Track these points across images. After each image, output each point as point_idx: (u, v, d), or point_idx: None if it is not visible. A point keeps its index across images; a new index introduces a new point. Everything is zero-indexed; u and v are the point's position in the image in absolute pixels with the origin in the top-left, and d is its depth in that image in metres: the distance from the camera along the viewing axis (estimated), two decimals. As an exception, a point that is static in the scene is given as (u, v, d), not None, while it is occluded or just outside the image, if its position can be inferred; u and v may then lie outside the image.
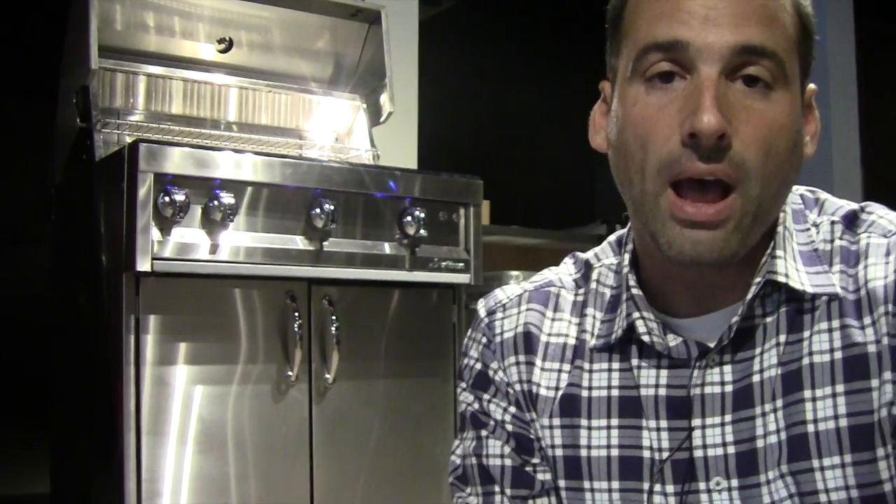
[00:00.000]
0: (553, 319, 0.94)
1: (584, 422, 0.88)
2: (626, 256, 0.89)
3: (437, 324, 2.31)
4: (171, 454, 1.92)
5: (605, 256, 0.95)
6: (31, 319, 3.64)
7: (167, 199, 1.88)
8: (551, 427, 0.90)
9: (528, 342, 0.93)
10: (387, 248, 2.20)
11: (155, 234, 1.88)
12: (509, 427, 0.92)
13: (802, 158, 0.83)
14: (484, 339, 0.95)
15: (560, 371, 0.91)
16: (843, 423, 0.79)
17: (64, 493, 2.39)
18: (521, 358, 0.93)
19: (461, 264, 2.28)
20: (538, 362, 0.92)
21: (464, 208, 2.31)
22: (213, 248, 1.95)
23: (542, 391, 0.91)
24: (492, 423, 0.93)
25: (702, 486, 0.82)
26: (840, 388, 0.79)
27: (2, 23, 5.34)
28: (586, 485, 0.88)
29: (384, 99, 2.68)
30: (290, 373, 2.05)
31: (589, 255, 0.97)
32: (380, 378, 2.21)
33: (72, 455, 2.32)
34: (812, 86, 0.85)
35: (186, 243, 1.92)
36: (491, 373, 0.94)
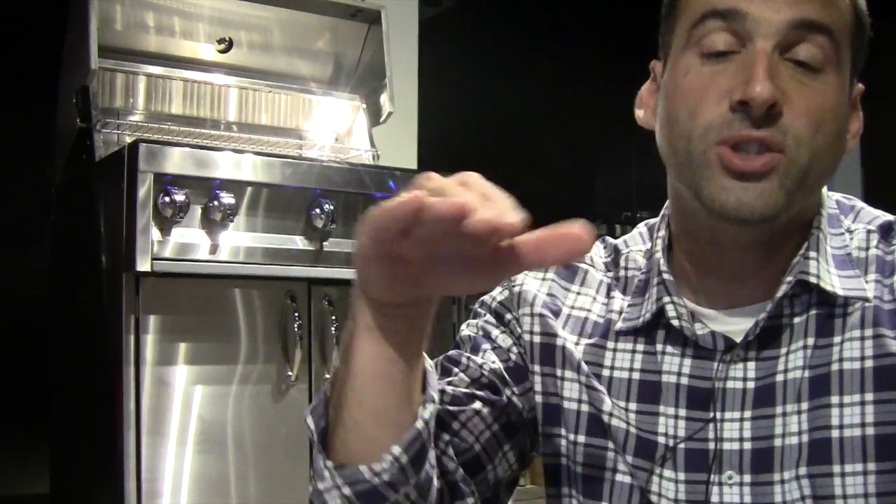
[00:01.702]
0: (578, 294, 0.93)
1: (605, 397, 0.88)
2: (659, 242, 0.89)
3: (437, 324, 2.30)
4: (171, 454, 1.92)
5: (634, 244, 0.95)
6: (31, 319, 3.64)
7: (167, 199, 1.88)
8: (578, 381, 0.89)
9: (550, 306, 0.92)
10: (387, 248, 2.19)
11: (155, 234, 1.88)
12: (513, 355, 0.91)
13: (844, 150, 0.83)
14: (506, 291, 0.94)
15: (577, 344, 0.90)
16: (870, 431, 0.78)
17: (64, 493, 2.39)
18: (539, 310, 0.92)
19: (461, 264, 2.28)
20: (559, 325, 0.91)
21: (464, 208, 2.31)
22: (213, 249, 1.95)
23: (569, 345, 0.90)
24: (495, 342, 0.92)
25: (713, 477, 0.82)
26: (869, 396, 0.78)
27: (2, 23, 5.34)
28: (610, 444, 0.87)
29: (384, 99, 2.68)
30: (290, 373, 2.05)
31: (618, 241, 0.97)
32: (380, 378, 2.21)
33: (72, 455, 2.32)
34: (860, 85, 0.86)
35: (186, 243, 1.92)
36: (508, 316, 0.93)
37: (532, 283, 0.94)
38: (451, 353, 0.93)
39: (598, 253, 0.97)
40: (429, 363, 0.78)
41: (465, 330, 0.96)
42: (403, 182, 2.23)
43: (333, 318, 2.10)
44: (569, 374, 0.90)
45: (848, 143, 0.84)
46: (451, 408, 0.86)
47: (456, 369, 0.90)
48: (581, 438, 0.89)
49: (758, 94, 0.74)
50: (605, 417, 0.87)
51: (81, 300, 2.19)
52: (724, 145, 0.77)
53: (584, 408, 0.89)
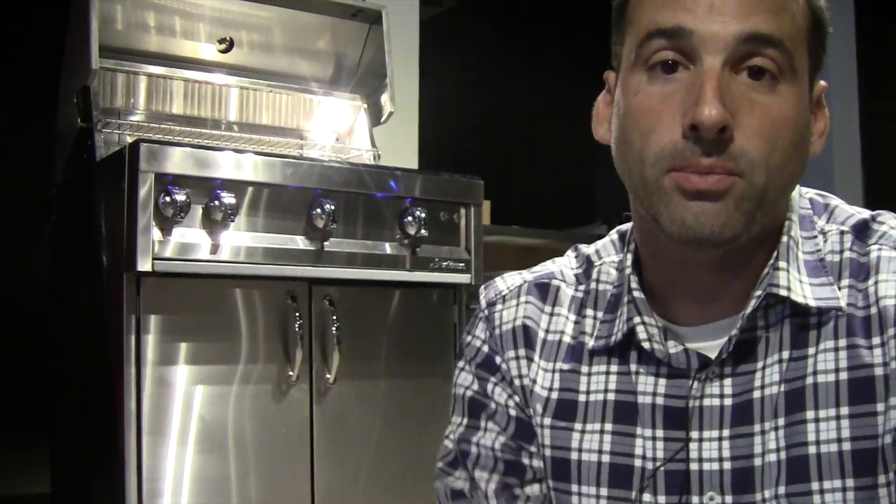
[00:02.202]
0: (551, 315, 0.92)
1: (577, 425, 0.87)
2: (629, 256, 0.87)
3: (438, 324, 2.31)
4: (172, 454, 1.92)
5: (606, 254, 0.94)
6: (31, 319, 3.64)
7: (168, 199, 1.88)
8: (542, 426, 0.89)
9: (527, 336, 0.91)
10: (387, 248, 2.20)
11: (155, 234, 1.88)
12: (512, 412, 0.91)
13: (808, 156, 0.80)
14: (487, 331, 0.94)
15: (553, 371, 0.89)
16: (846, 446, 0.77)
17: (64, 493, 2.39)
18: (521, 352, 0.91)
19: (462, 264, 2.28)
20: (536, 359, 0.91)
21: (464, 208, 2.31)
22: (214, 248, 1.96)
23: (538, 389, 0.89)
24: (493, 405, 0.92)
25: (695, 499, 0.81)
26: (844, 410, 0.77)
27: (2, 23, 5.34)
28: (574, 488, 0.86)
29: (385, 99, 2.68)
30: (290, 373, 2.05)
31: (590, 250, 0.95)
32: (380, 378, 2.21)
33: (72, 455, 2.32)
34: (822, 83, 0.83)
35: (187, 243, 1.93)
36: (498, 360, 0.93)
37: (507, 317, 0.93)
38: (448, 455, 0.94)
39: (568, 264, 0.96)
40: None
41: (458, 386, 0.95)
42: (404, 182, 2.23)
43: (334, 318, 2.10)
44: (537, 419, 0.89)
45: (813, 145, 0.81)
46: None
47: (475, 473, 0.91)
48: (550, 483, 0.89)
49: (706, 118, 0.72)
50: (574, 455, 0.86)
51: (82, 300, 2.19)
52: (677, 171, 0.75)
53: (548, 453, 0.88)
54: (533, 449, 0.90)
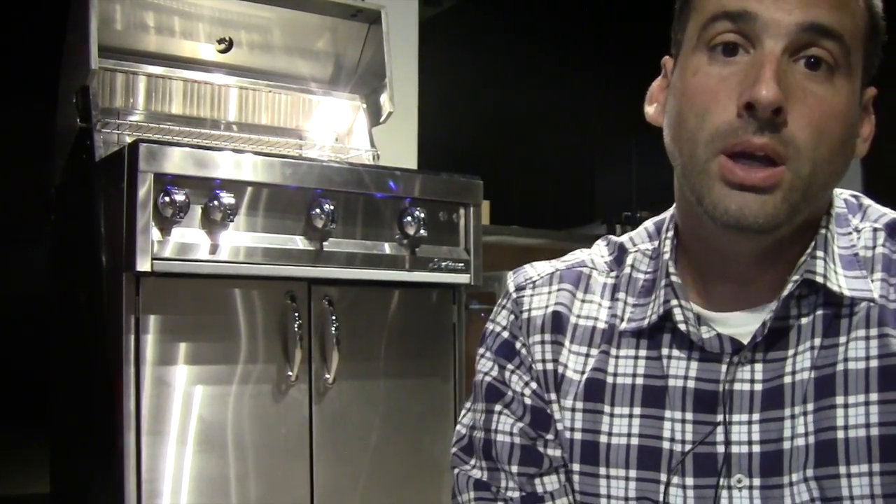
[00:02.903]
0: (583, 301, 0.93)
1: (606, 408, 0.88)
2: (668, 243, 0.88)
3: (437, 324, 2.31)
4: (171, 454, 1.92)
5: (640, 241, 0.95)
6: (31, 319, 3.64)
7: (167, 199, 1.88)
8: (573, 410, 0.90)
9: (557, 323, 0.92)
10: (387, 248, 2.20)
11: (155, 234, 1.88)
12: (528, 401, 0.92)
13: (853, 155, 0.82)
14: (512, 315, 0.95)
15: (587, 356, 0.90)
16: (875, 431, 0.78)
17: (64, 493, 2.39)
18: (548, 337, 0.92)
19: (461, 264, 2.28)
20: (567, 343, 0.91)
21: (464, 208, 2.31)
22: (213, 248, 1.96)
23: (569, 373, 0.90)
24: (510, 393, 0.93)
25: (723, 481, 0.82)
26: (874, 396, 0.78)
27: (2, 23, 5.34)
28: (602, 471, 0.88)
29: (384, 99, 2.68)
30: (290, 373, 2.05)
31: (623, 238, 0.97)
32: (380, 378, 2.21)
33: (72, 455, 2.32)
34: (873, 89, 0.85)
35: (186, 243, 1.93)
36: (518, 345, 0.93)
37: (538, 302, 0.94)
38: (470, 444, 0.95)
39: (599, 253, 0.97)
40: None
41: (478, 372, 0.96)
42: (404, 182, 2.23)
43: (333, 318, 2.10)
44: (567, 402, 0.90)
45: (859, 147, 0.84)
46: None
47: (498, 465, 0.93)
48: (576, 467, 0.89)
49: (763, 97, 0.74)
50: (604, 439, 0.87)
51: (81, 300, 2.19)
52: (726, 156, 0.77)
53: (578, 436, 0.89)
54: (549, 437, 0.91)
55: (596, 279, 0.94)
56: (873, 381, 0.79)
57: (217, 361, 2.00)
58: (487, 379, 0.95)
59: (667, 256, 0.88)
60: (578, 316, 0.92)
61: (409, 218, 2.19)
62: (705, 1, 0.81)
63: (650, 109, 0.88)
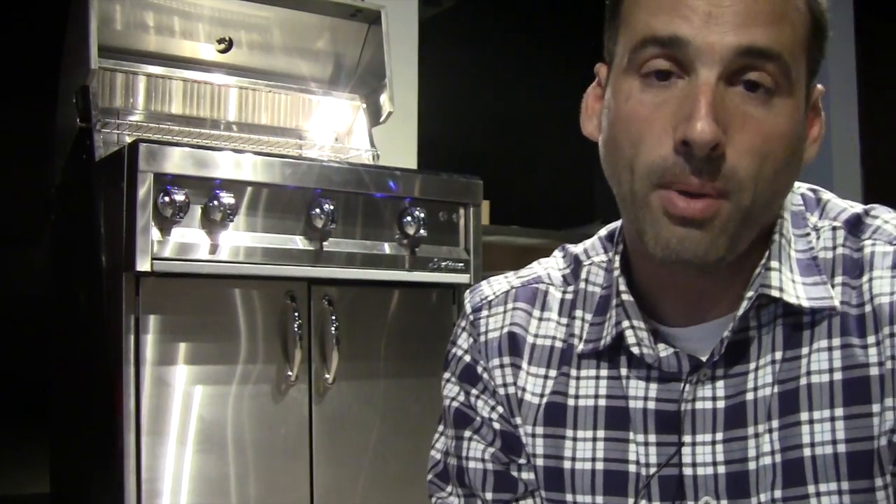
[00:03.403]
0: (540, 319, 0.90)
1: (569, 432, 0.86)
2: (617, 258, 0.85)
3: (437, 324, 2.31)
4: (171, 454, 1.92)
5: (594, 253, 0.92)
6: (31, 319, 3.64)
7: (167, 199, 1.88)
8: (534, 435, 0.87)
9: (513, 344, 0.90)
10: (387, 248, 2.20)
11: (155, 234, 1.88)
12: (496, 425, 0.90)
13: (802, 164, 0.79)
14: (471, 338, 0.93)
15: (546, 377, 0.88)
16: (842, 448, 0.75)
17: (64, 493, 2.39)
18: (507, 360, 0.90)
19: (461, 264, 2.28)
20: (524, 366, 0.89)
21: (463, 208, 2.31)
22: (213, 248, 1.95)
23: (528, 396, 0.88)
24: (478, 419, 0.91)
25: None
26: (839, 411, 0.76)
27: (2, 23, 5.34)
28: (569, 498, 0.85)
29: (384, 99, 2.68)
30: (289, 373, 2.05)
31: (578, 249, 0.94)
32: (380, 378, 2.21)
33: (72, 455, 2.32)
34: (819, 87, 0.81)
35: (186, 243, 1.92)
36: (479, 369, 0.91)
37: (494, 323, 0.92)
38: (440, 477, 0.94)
39: (556, 265, 0.94)
40: None
41: (445, 397, 0.94)
42: (403, 182, 2.23)
43: (333, 318, 2.10)
44: (528, 428, 0.88)
45: (807, 151, 0.80)
46: None
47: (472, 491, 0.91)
48: (543, 493, 0.87)
49: (699, 136, 0.70)
50: (568, 464, 0.85)
51: (81, 300, 2.19)
52: (665, 188, 0.73)
53: (541, 462, 0.87)
54: (522, 461, 0.89)
55: (553, 295, 0.91)
56: (838, 395, 0.76)
57: (217, 361, 2.00)
58: (455, 405, 0.93)
59: (616, 273, 0.85)
60: (536, 335, 0.90)
61: (408, 218, 2.19)
62: (634, 19, 0.77)
63: (588, 125, 0.85)
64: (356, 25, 2.71)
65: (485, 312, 0.93)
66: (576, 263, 0.92)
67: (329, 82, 2.78)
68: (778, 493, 0.77)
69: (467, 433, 0.91)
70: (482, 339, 0.91)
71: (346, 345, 2.12)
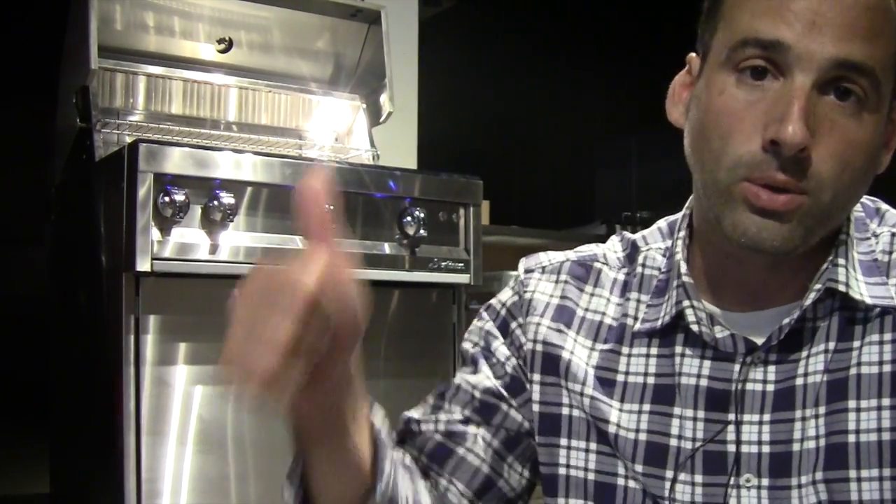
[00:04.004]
0: (591, 294, 0.94)
1: (615, 404, 0.88)
2: (679, 243, 0.89)
3: (437, 324, 2.31)
4: (171, 454, 1.92)
5: (653, 240, 0.95)
6: (31, 319, 3.64)
7: (167, 199, 1.88)
8: (582, 395, 0.90)
9: (562, 313, 0.93)
10: (386, 248, 2.20)
11: (155, 234, 1.88)
12: (509, 369, 0.93)
13: (876, 172, 0.82)
14: (515, 295, 0.96)
15: (592, 349, 0.91)
16: (886, 436, 0.78)
17: (64, 493, 2.39)
18: (551, 323, 0.93)
19: (461, 264, 2.28)
20: (571, 334, 0.92)
21: (463, 208, 2.31)
22: (213, 249, 1.96)
23: (576, 360, 0.91)
24: (493, 359, 0.94)
25: (731, 480, 0.82)
26: (886, 401, 0.79)
27: (2, 23, 5.34)
28: (618, 455, 0.88)
29: (384, 99, 2.68)
30: (289, 373, 2.05)
31: (637, 236, 0.97)
32: (380, 378, 2.21)
33: (72, 455, 2.32)
34: None
35: (186, 243, 1.93)
36: (514, 325, 0.95)
37: (545, 288, 0.95)
38: (440, 386, 0.97)
39: (613, 248, 0.97)
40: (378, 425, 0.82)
41: (467, 341, 0.98)
42: (403, 182, 2.23)
43: (333, 318, 2.10)
44: (572, 385, 0.90)
45: (881, 161, 0.83)
46: (447, 441, 0.91)
47: (445, 403, 0.95)
48: (586, 445, 0.90)
49: (790, 138, 0.74)
50: (612, 429, 0.88)
51: (81, 300, 2.19)
52: (749, 182, 0.77)
53: (590, 418, 0.89)
54: (515, 402, 0.93)
55: (606, 273, 0.95)
56: (886, 386, 0.79)
57: (217, 361, 1.99)
58: (472, 345, 0.97)
59: (678, 257, 0.88)
60: (586, 309, 0.93)
61: (408, 218, 2.19)
62: (737, 17, 0.79)
63: (674, 111, 0.88)
64: (356, 25, 2.71)
65: (537, 275, 0.97)
66: (633, 248, 0.96)
67: (329, 82, 2.78)
68: (819, 475, 0.79)
69: (479, 366, 0.95)
70: (527, 295, 0.95)
71: (346, 345, 2.12)
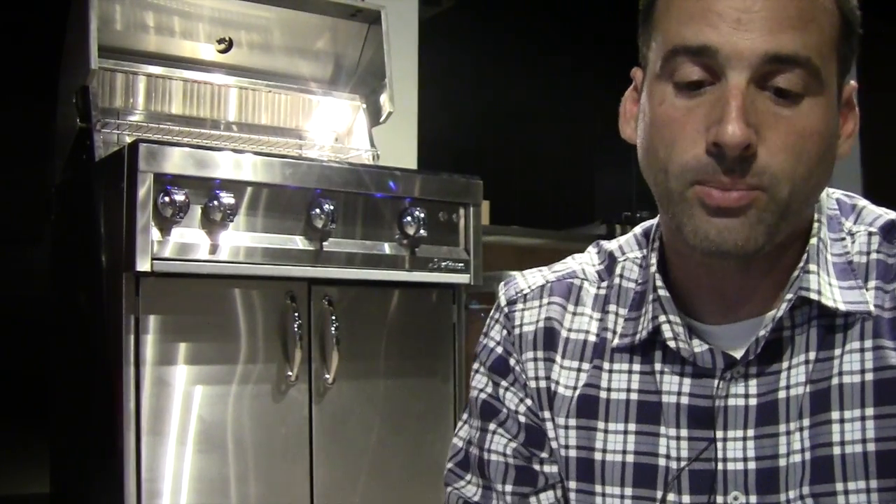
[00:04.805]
0: (574, 314, 0.92)
1: (600, 424, 0.87)
2: (654, 255, 0.87)
3: (437, 324, 2.31)
4: (171, 454, 1.92)
5: (629, 249, 0.93)
6: (31, 319, 3.64)
7: (167, 199, 1.88)
8: (566, 427, 0.89)
9: (549, 338, 0.91)
10: (387, 248, 2.20)
11: (155, 234, 1.88)
12: (522, 419, 0.91)
13: (835, 160, 0.80)
14: (504, 330, 0.94)
15: (579, 370, 0.90)
16: (871, 447, 0.77)
17: (64, 493, 2.39)
18: (541, 354, 0.91)
19: (461, 264, 2.28)
20: (558, 359, 0.91)
21: (463, 208, 2.31)
22: (213, 248, 1.96)
23: (561, 389, 0.89)
24: (504, 412, 0.92)
25: (719, 499, 0.81)
26: (869, 411, 0.77)
27: (2, 23, 5.34)
28: (598, 489, 0.87)
29: (384, 99, 2.68)
30: (289, 373, 2.05)
31: (613, 245, 0.95)
32: (380, 378, 2.21)
33: (72, 455, 2.32)
34: (853, 83, 0.83)
35: (186, 243, 1.93)
36: (512, 361, 0.93)
37: (529, 317, 0.93)
38: (456, 455, 0.96)
39: (590, 261, 0.96)
40: None
41: (473, 389, 0.96)
42: (403, 182, 2.23)
43: (333, 318, 2.10)
44: (560, 420, 0.90)
45: (840, 147, 0.81)
46: None
47: (490, 482, 0.93)
48: (572, 484, 0.89)
49: (730, 138, 0.72)
50: (599, 456, 0.87)
51: (81, 300, 2.19)
52: (700, 184, 0.76)
53: (573, 453, 0.89)
54: (544, 455, 0.91)
55: (587, 290, 0.93)
56: (869, 395, 0.78)
57: (217, 361, 2.00)
58: (482, 396, 0.94)
59: (653, 269, 0.86)
60: (570, 329, 0.91)
61: (408, 218, 2.19)
62: (665, 26, 0.79)
63: (626, 128, 0.87)
64: (356, 25, 2.71)
65: (520, 305, 0.94)
66: (610, 259, 0.94)
67: (329, 82, 2.78)
68: (807, 490, 0.78)
69: (492, 425, 0.93)
70: (517, 331, 0.93)
71: (346, 345, 2.12)
